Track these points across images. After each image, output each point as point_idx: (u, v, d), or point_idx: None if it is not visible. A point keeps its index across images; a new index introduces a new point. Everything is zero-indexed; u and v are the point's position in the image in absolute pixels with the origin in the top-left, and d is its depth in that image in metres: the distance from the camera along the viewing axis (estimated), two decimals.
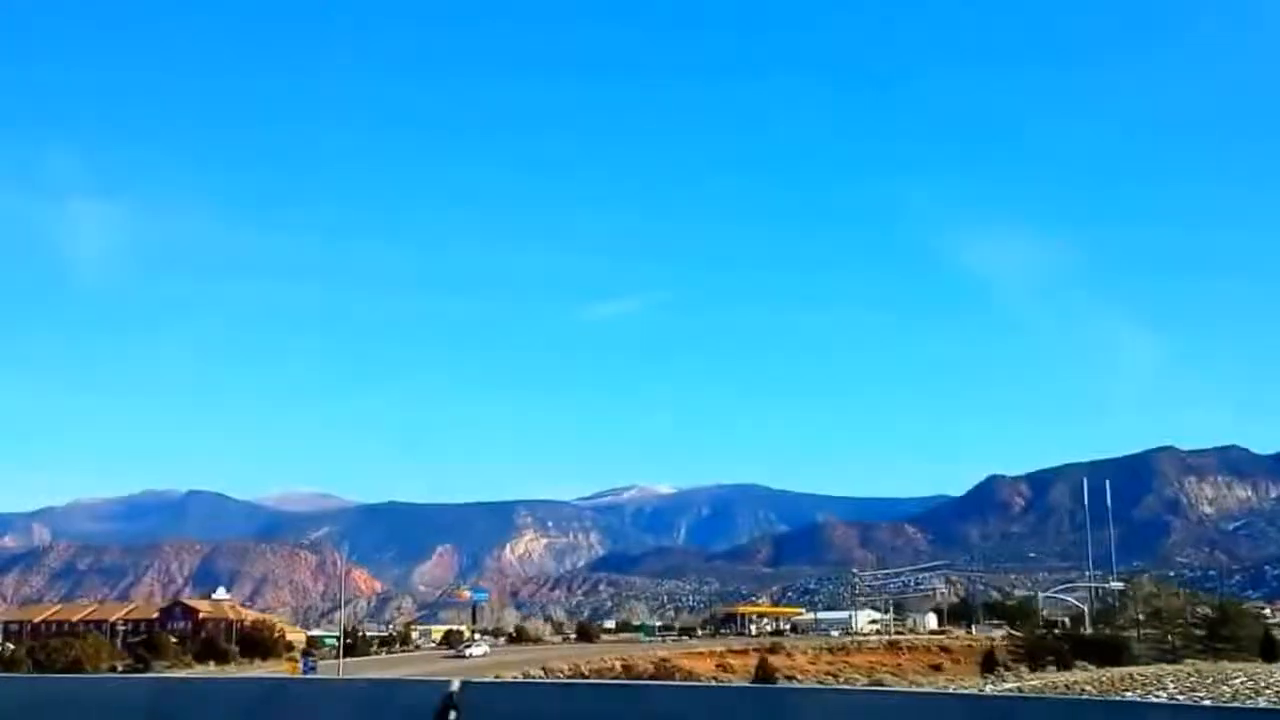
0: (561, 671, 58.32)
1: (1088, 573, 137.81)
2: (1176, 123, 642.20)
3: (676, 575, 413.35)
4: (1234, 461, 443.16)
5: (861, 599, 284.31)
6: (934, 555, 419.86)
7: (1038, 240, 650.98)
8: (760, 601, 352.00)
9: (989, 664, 62.08)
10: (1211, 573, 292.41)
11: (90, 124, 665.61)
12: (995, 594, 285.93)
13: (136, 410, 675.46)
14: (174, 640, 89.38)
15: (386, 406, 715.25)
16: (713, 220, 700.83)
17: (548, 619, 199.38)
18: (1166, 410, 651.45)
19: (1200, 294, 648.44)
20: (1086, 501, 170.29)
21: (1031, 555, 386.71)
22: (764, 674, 57.16)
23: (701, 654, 76.39)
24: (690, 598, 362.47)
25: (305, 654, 69.48)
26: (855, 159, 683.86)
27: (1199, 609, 74.58)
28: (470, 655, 77.83)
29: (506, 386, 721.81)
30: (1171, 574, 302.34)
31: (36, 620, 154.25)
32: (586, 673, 59.84)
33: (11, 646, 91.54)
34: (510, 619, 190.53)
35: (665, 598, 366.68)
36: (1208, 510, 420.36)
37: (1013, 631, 79.95)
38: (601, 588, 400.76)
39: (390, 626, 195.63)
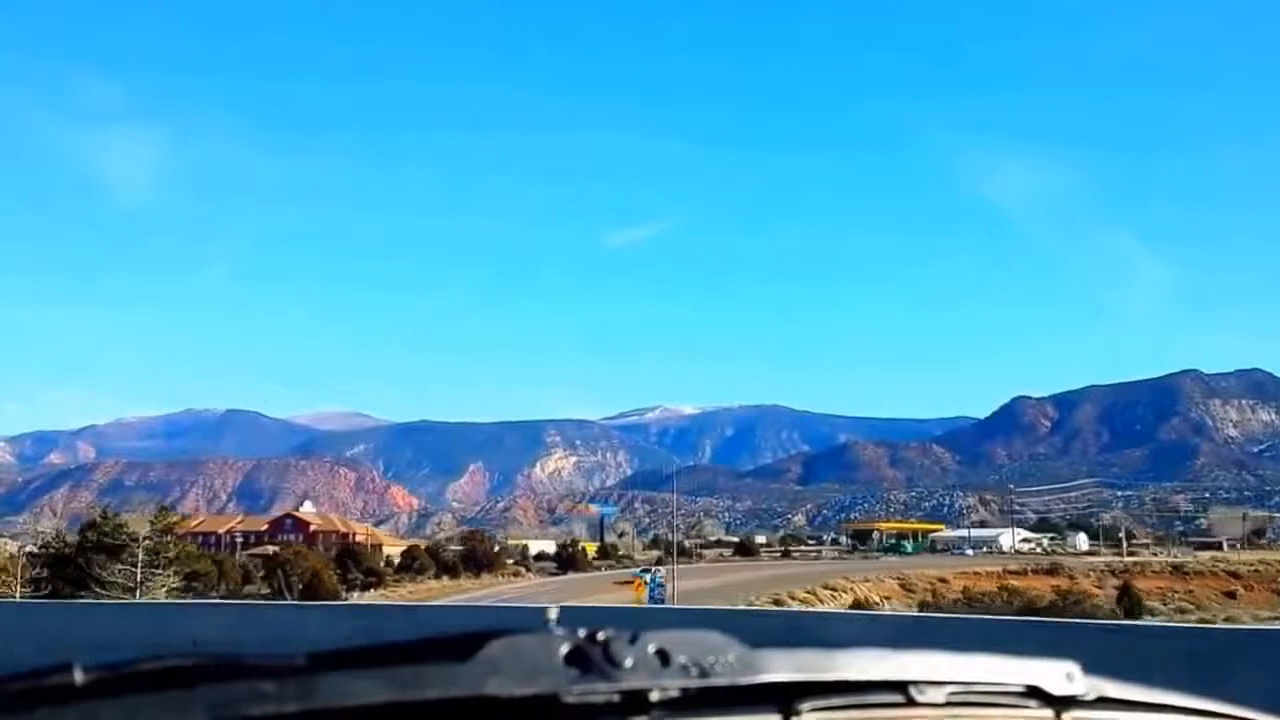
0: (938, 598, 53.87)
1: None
2: (1188, 35, 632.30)
3: (708, 493, 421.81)
4: (1257, 384, 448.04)
5: (897, 516, 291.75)
6: (961, 475, 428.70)
7: (1050, 163, 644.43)
8: (796, 519, 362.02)
9: None
10: (1247, 494, 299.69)
11: (127, 50, 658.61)
12: (1032, 514, 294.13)
13: (175, 332, 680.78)
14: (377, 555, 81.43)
15: (416, 328, 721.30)
16: (730, 147, 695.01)
17: (621, 535, 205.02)
18: (1188, 334, 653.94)
19: (1216, 217, 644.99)
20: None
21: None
22: (1130, 599, 52.48)
23: (979, 574, 70.45)
24: (725, 515, 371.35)
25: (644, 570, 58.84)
26: (868, 85, 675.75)
27: None
28: None
29: (530, 309, 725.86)
30: (1207, 495, 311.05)
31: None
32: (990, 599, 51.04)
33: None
34: (581, 535, 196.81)
35: (701, 515, 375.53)
36: (1232, 433, 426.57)
37: None
38: (637, 505, 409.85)
39: (433, 541, 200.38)
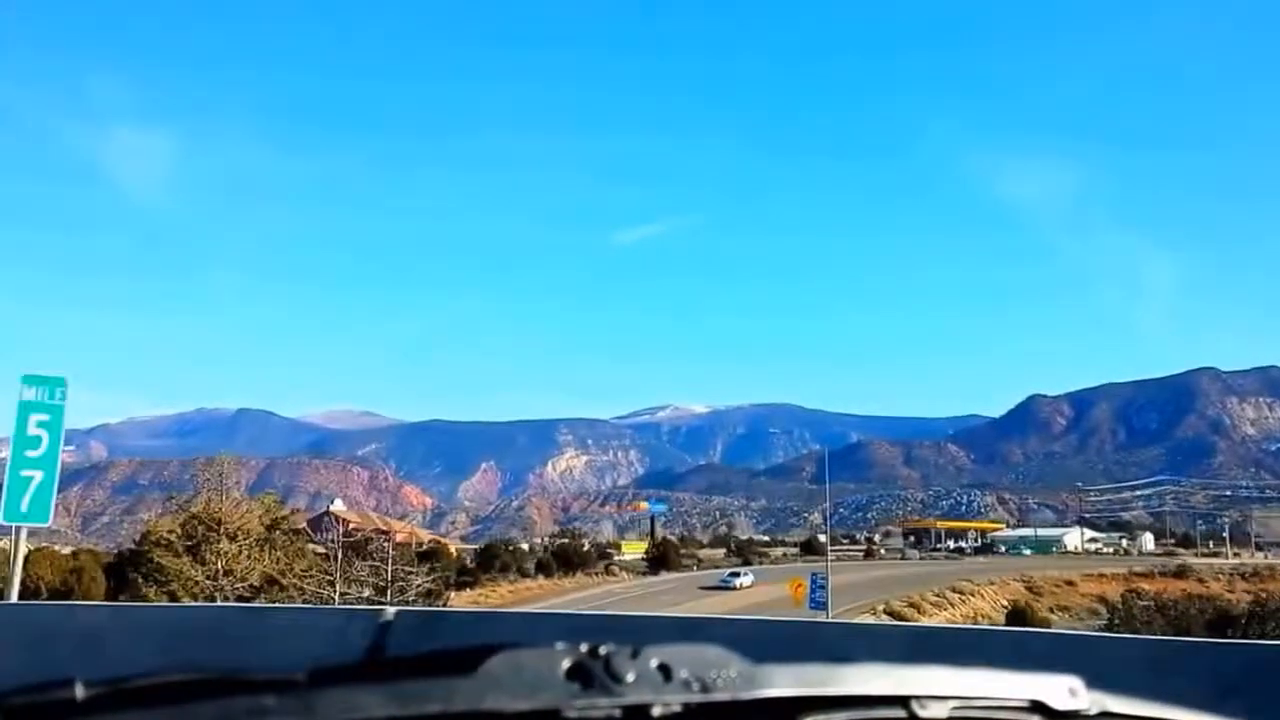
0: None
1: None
2: (1199, 34, 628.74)
3: (723, 492, 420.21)
4: (1275, 382, 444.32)
5: (906, 513, 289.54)
6: (975, 474, 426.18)
7: (1063, 162, 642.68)
8: (812, 517, 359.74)
9: None
10: (1269, 493, 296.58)
11: (140, 50, 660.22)
12: (1049, 513, 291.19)
13: (187, 331, 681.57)
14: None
15: (426, 327, 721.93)
16: (741, 146, 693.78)
17: (644, 535, 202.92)
18: (1205, 332, 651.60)
19: (1232, 214, 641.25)
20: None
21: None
22: None
23: (1105, 577, 67.59)
24: (740, 514, 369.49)
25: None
26: (880, 86, 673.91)
27: None
28: (740, 585, 62.54)
29: (542, 308, 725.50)
30: (1229, 493, 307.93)
31: None
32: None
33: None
34: (606, 532, 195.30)
35: (716, 514, 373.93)
36: (1250, 430, 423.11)
37: None
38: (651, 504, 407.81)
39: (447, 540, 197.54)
